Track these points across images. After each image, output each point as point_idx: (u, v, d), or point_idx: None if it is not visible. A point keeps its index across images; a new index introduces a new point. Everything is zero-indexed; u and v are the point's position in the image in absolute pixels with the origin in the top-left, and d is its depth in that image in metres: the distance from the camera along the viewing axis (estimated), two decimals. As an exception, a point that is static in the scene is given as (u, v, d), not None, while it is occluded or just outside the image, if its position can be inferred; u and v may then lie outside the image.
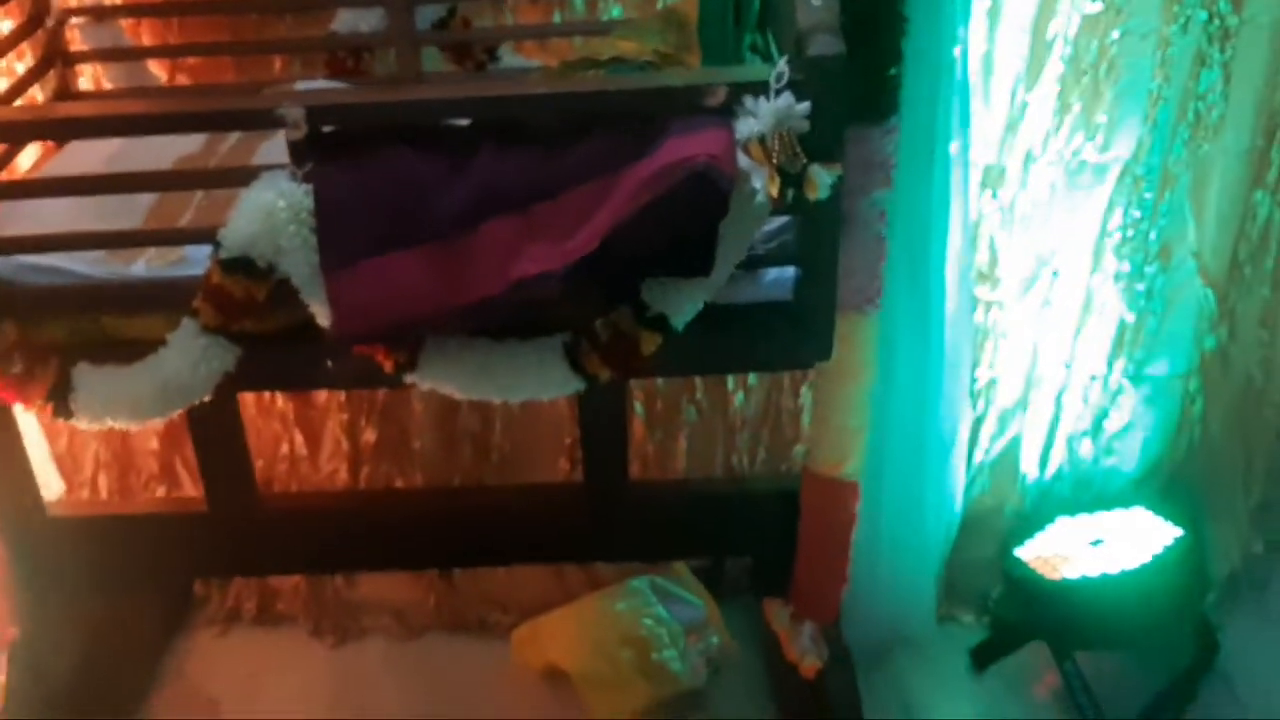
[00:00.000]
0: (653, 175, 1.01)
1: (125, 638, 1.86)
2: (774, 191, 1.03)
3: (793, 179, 1.04)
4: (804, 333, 1.24)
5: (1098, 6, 1.61)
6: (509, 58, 1.58)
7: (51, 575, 1.61)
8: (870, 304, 1.32)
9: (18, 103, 1.47)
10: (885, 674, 1.82)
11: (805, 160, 1.04)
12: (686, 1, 1.42)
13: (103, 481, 1.89)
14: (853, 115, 1.17)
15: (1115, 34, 1.62)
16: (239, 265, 1.08)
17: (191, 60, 1.66)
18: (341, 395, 1.86)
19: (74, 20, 1.58)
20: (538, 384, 1.15)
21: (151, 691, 1.86)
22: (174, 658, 1.91)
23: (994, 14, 1.61)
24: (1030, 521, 1.86)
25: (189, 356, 1.12)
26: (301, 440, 1.90)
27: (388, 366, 1.13)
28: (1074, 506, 1.86)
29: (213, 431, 1.50)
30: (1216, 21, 1.61)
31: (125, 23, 1.64)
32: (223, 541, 1.59)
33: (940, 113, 1.35)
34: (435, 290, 1.05)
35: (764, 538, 1.57)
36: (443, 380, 1.14)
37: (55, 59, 1.58)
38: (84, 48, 1.61)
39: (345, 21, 1.58)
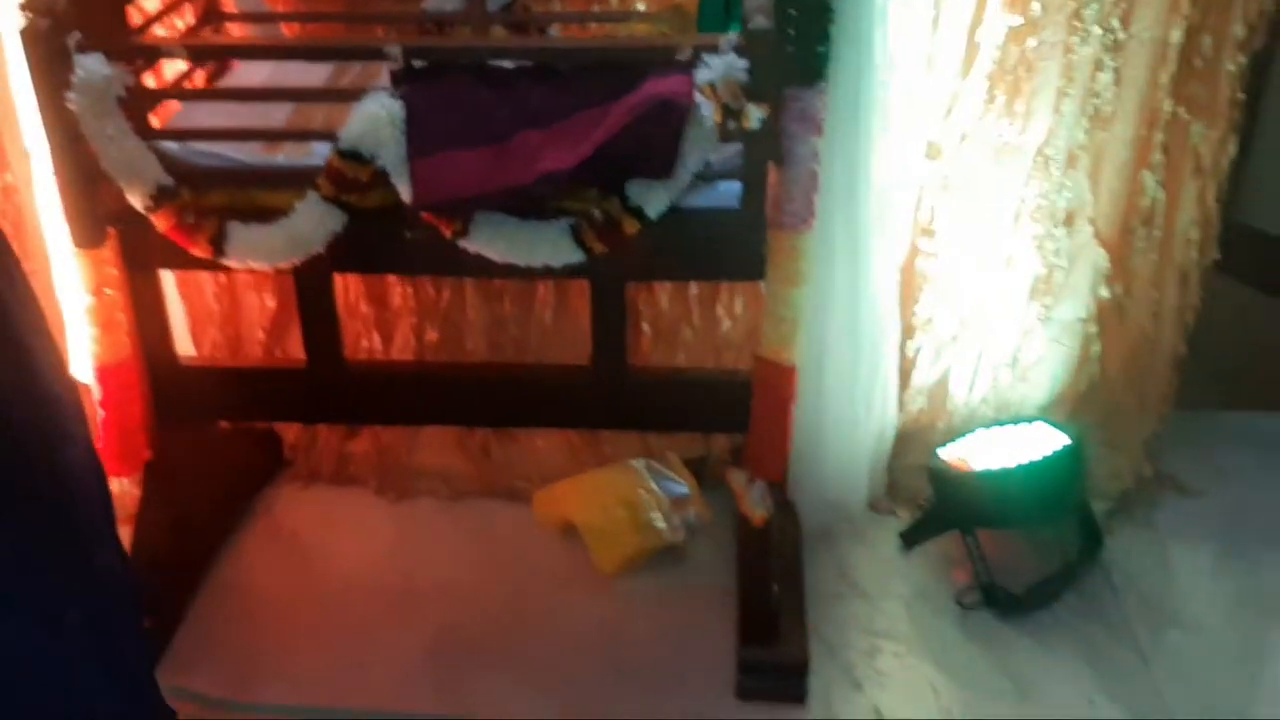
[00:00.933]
0: (635, 104, 1.49)
1: (230, 481, 2.36)
2: (719, 119, 1.50)
3: (733, 113, 1.51)
4: (747, 241, 1.69)
5: (1019, 20, 2.04)
6: (557, 35, 2.06)
7: (181, 414, 2.10)
8: (805, 224, 1.76)
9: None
10: (827, 547, 2.25)
11: (743, 101, 1.51)
12: (688, 2, 1.90)
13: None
14: (791, 80, 1.64)
15: (1032, 42, 2.02)
16: (351, 154, 1.57)
17: (313, 26, 2.16)
18: (411, 301, 2.34)
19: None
20: (551, 252, 1.63)
21: (247, 524, 2.35)
22: (264, 502, 2.40)
23: (935, 21, 2.05)
24: (957, 434, 2.29)
25: (311, 218, 1.62)
26: (378, 339, 2.38)
27: (447, 233, 1.62)
28: (993, 424, 2.29)
29: (314, 305, 1.98)
30: (1110, 36, 2.01)
31: (266, -6, 2.15)
32: (315, 392, 2.06)
33: (864, 84, 1.79)
34: (483, 177, 1.53)
35: (738, 417, 1.99)
36: (485, 246, 1.63)
37: (211, 19, 2.09)
38: (234, 11, 2.11)
39: (433, 3, 2.07)
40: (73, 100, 1.56)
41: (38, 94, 1.60)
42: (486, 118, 1.54)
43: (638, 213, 1.59)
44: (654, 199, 1.59)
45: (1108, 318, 2.24)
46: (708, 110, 1.50)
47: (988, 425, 2.26)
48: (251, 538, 2.32)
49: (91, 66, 1.54)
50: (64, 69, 1.56)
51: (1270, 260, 2.79)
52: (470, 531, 2.32)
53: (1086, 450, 2.17)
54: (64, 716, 1.28)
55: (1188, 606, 2.14)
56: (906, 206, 2.16)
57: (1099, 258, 2.18)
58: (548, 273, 1.69)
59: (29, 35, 1.56)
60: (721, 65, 1.49)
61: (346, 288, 2.30)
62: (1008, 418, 2.29)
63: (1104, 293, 2.21)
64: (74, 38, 1.55)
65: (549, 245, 1.63)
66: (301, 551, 2.29)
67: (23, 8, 1.62)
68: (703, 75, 1.50)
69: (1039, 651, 2.05)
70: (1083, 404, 2.30)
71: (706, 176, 1.63)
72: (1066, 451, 2.14)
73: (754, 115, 1.51)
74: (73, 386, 1.38)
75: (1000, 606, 2.10)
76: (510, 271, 1.70)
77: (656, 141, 1.52)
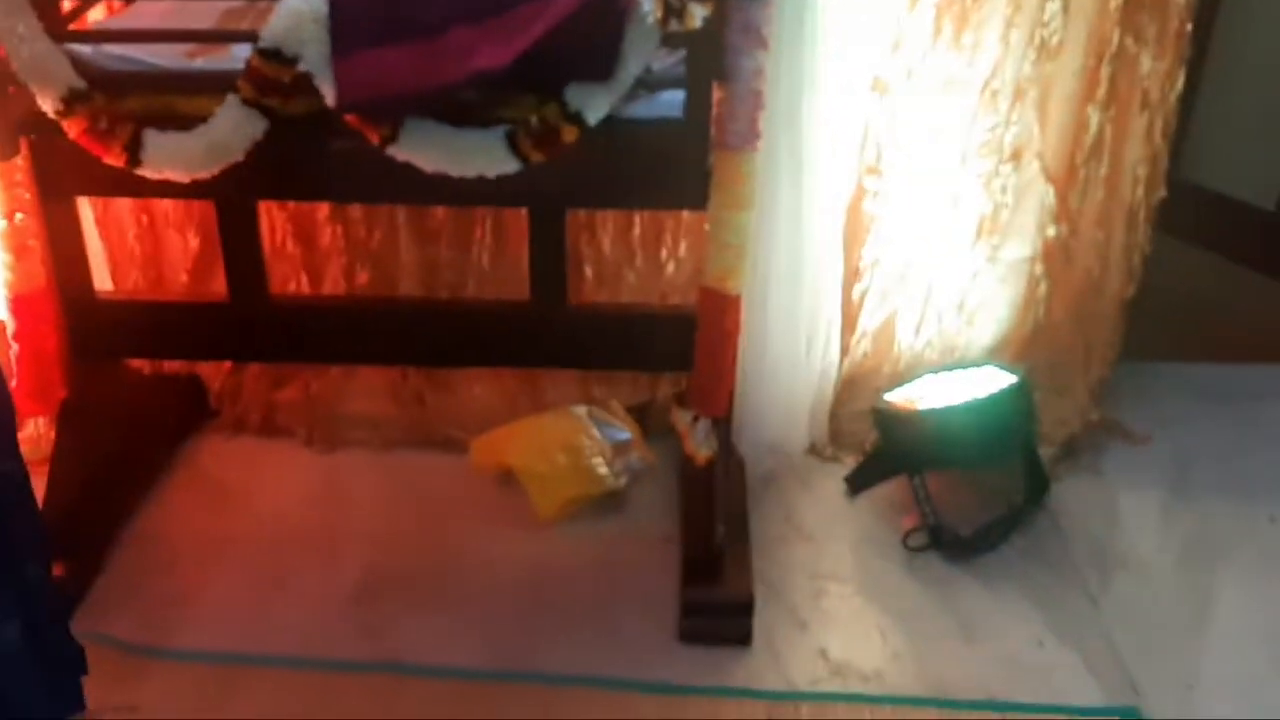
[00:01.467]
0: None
1: (151, 427, 2.26)
2: (661, 16, 1.44)
3: (675, 11, 1.45)
4: (691, 159, 1.64)
5: (966, -51, 2.02)
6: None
7: (98, 350, 2.01)
8: (749, 145, 1.71)
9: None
10: (772, 492, 2.20)
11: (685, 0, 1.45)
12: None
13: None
14: (735, -12, 1.59)
15: (979, -29, 2.03)
16: (272, 54, 1.49)
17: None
18: (341, 240, 2.25)
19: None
20: (485, 162, 1.55)
21: (169, 474, 2.25)
22: (188, 451, 2.30)
23: (881, -51, 2.02)
24: (903, 379, 2.25)
25: (231, 122, 1.53)
26: (306, 280, 2.29)
27: (374, 138, 1.54)
28: (940, 369, 2.25)
29: (238, 236, 1.89)
30: (1058, -36, 2.02)
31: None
32: (238, 329, 1.98)
33: (810, 5, 1.75)
34: (413, 76, 1.46)
35: (682, 354, 1.92)
36: (415, 153, 1.55)
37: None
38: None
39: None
40: (-25, -7, 1.47)
41: (-63, -12, 1.50)
42: (416, 11, 1.46)
43: (576, 118, 1.53)
44: (594, 103, 1.52)
45: (1054, 258, 2.22)
46: (650, 6, 1.44)
47: (934, 370, 2.23)
48: (174, 487, 2.23)
49: (-6, -46, 1.45)
50: (-35, -41, 1.47)
51: (1214, 217, 2.79)
52: (402, 481, 2.25)
53: (1031, 392, 2.14)
54: None
55: (1135, 550, 2.11)
56: (852, 144, 2.12)
57: (1046, 194, 2.16)
58: (481, 192, 1.61)
59: (-74, -79, 1.47)
60: (663, -40, 1.43)
61: (274, 227, 2.22)
62: (954, 362, 2.26)
63: (1051, 231, 2.18)
64: (-25, -77, 1.46)
65: (483, 154, 1.55)
66: (226, 501, 2.20)
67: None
68: (645, -30, 1.44)
69: (987, 594, 2.01)
70: (1029, 347, 2.28)
71: (648, 84, 1.57)
72: (1011, 391, 2.11)
73: (697, 14, 1.46)
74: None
75: (947, 549, 2.07)
76: (440, 191, 1.63)
77: (596, 40, 1.46)
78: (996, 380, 2.14)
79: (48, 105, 1.56)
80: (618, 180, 1.74)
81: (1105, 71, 2.07)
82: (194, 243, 2.24)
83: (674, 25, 1.47)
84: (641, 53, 1.50)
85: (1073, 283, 2.24)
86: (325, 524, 2.13)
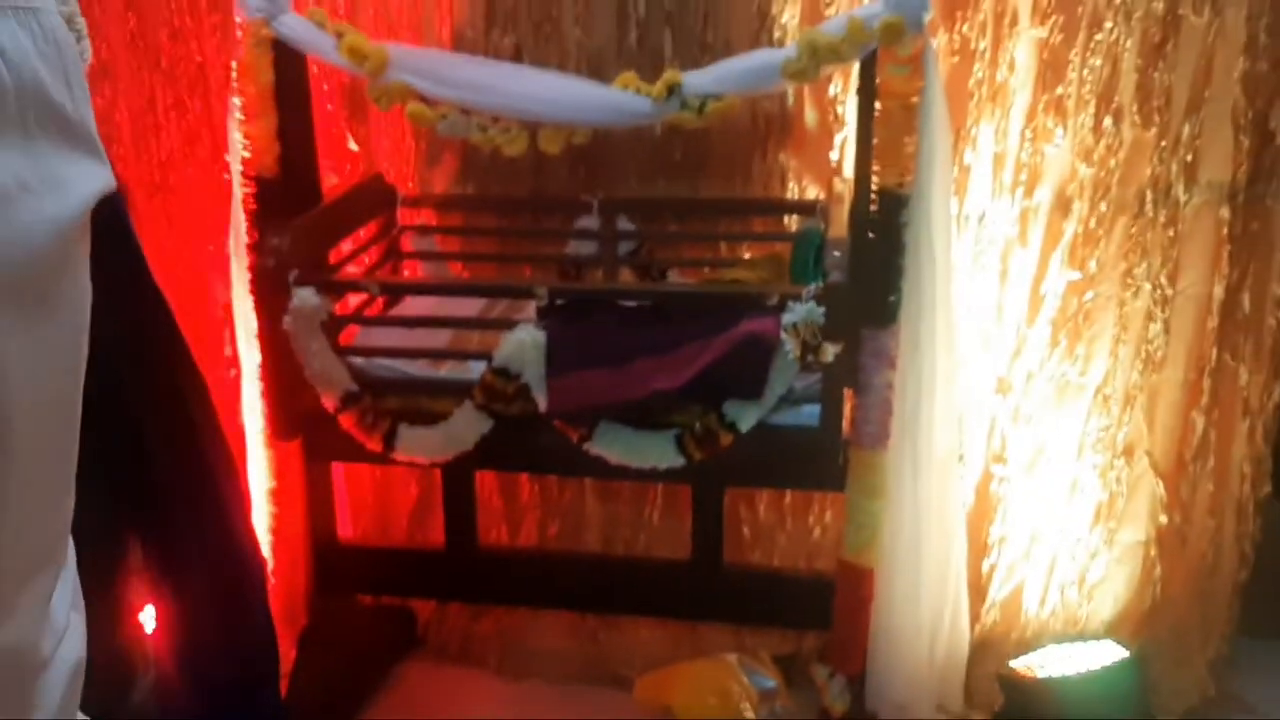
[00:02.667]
0: (732, 338, 1.83)
1: (372, 652, 2.66)
2: (799, 353, 1.83)
3: (812, 349, 1.84)
4: (826, 456, 1.99)
5: (1077, 275, 2.36)
6: (674, 278, 2.43)
7: (336, 586, 2.44)
8: (881, 444, 2.06)
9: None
10: (905, 746, 2.44)
11: (820, 339, 1.83)
12: (784, 250, 2.26)
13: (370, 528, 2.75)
14: (868, 321, 1.98)
15: (1089, 295, 2.35)
16: (501, 371, 1.94)
17: (474, 265, 2.59)
18: (538, 497, 2.67)
19: (407, 233, 2.54)
20: (658, 457, 1.95)
21: (383, 693, 2.63)
22: (400, 673, 2.69)
23: (1002, 276, 2.38)
24: (1030, 646, 2.48)
25: (466, 422, 1.97)
26: (505, 529, 2.71)
27: (574, 438, 1.95)
28: (1062, 639, 2.47)
29: (456, 496, 2.32)
30: (1159, 291, 2.31)
31: (436, 237, 2.58)
32: (450, 573, 2.38)
33: (935, 325, 2.09)
34: (607, 393, 1.88)
35: (822, 615, 2.22)
36: (605, 449, 1.95)
37: (392, 255, 2.53)
38: (411, 250, 2.55)
39: (573, 248, 2.48)
40: (288, 323, 1.97)
41: (259, 316, 2.01)
42: (611, 346, 1.89)
43: (732, 426, 1.91)
44: (746, 416, 1.91)
45: (1168, 543, 2.44)
46: (791, 346, 1.83)
47: (1058, 641, 2.45)
48: (386, 705, 2.59)
49: (305, 297, 1.95)
50: (282, 298, 1.97)
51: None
52: (576, 712, 2.56)
53: (1144, 667, 2.33)
54: None
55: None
56: (980, 435, 2.44)
57: (1157, 486, 2.40)
58: (654, 475, 2.00)
59: (259, 272, 1.99)
60: (803, 310, 1.83)
61: (482, 483, 2.65)
62: (1075, 634, 2.47)
63: (1163, 519, 2.41)
64: (293, 274, 1.97)
65: (657, 451, 1.95)
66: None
67: (251, 249, 2.07)
68: (787, 318, 1.84)
69: None
70: (1147, 623, 2.47)
71: (791, 399, 1.94)
72: (1123, 664, 2.31)
73: (829, 351, 1.84)
74: (260, 556, 1.75)
75: (1066, 810, 2.24)
76: (624, 473, 2.02)
77: (748, 369, 1.85)
78: (1113, 654, 2.35)
79: (328, 403, 2.04)
80: (765, 470, 2.10)
81: (1206, 383, 2.34)
82: (413, 491, 2.69)
83: (810, 359, 1.85)
84: (784, 379, 1.88)
85: (1187, 565, 2.45)
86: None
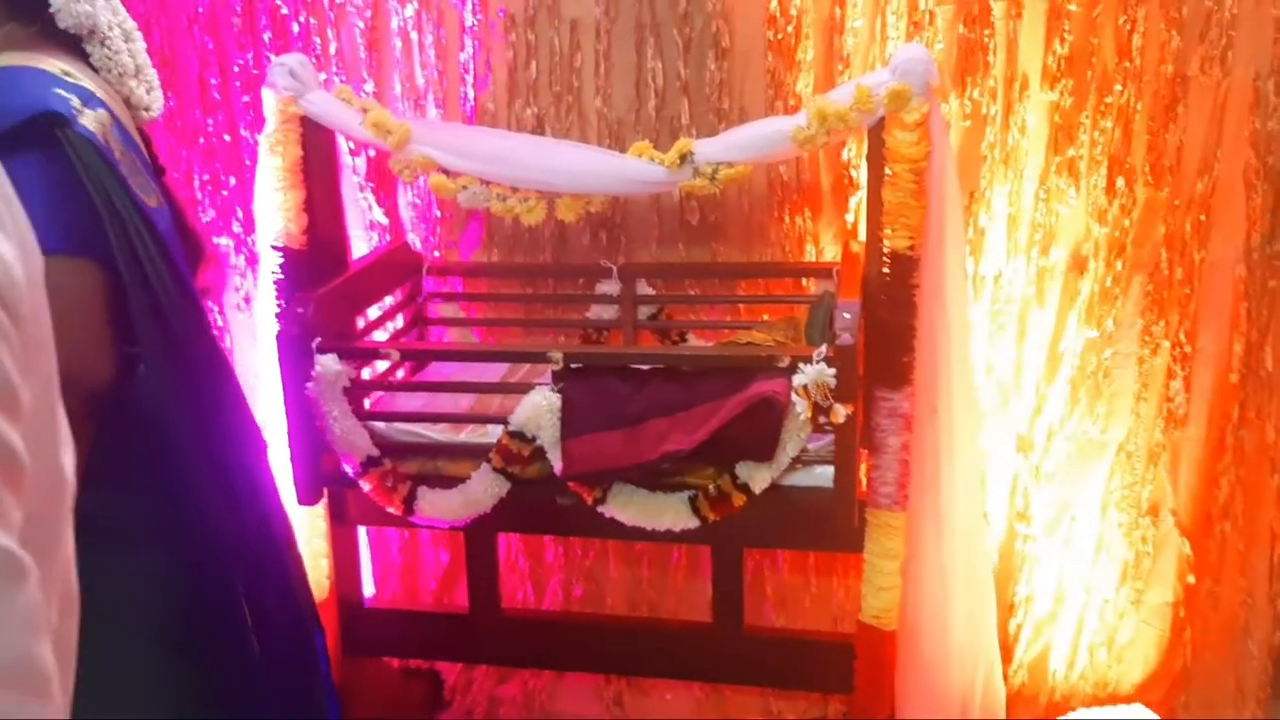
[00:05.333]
0: (744, 399, 1.85)
1: (399, 711, 2.68)
2: (811, 414, 1.84)
3: (823, 409, 1.85)
4: (841, 517, 1.99)
5: (1095, 334, 2.36)
6: (693, 340, 2.47)
7: (363, 649, 2.47)
8: (898, 504, 2.07)
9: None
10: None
11: (831, 400, 1.85)
12: (800, 313, 2.28)
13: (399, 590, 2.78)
14: (882, 382, 1.99)
15: (1108, 353, 2.34)
16: (517, 435, 1.97)
17: (499, 330, 2.64)
18: (562, 559, 2.69)
19: (433, 300, 2.59)
20: (672, 518, 1.96)
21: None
22: (426, 736, 2.72)
23: (1020, 335, 2.39)
24: (1058, 710, 2.44)
25: (483, 484, 2.00)
26: (531, 590, 2.73)
27: (589, 499, 1.98)
28: (1092, 702, 2.44)
29: (480, 559, 2.35)
30: (1179, 348, 2.31)
31: (461, 303, 2.64)
32: (475, 636, 2.40)
33: (952, 385, 2.10)
34: (621, 454, 1.90)
35: (843, 678, 2.22)
36: (619, 511, 1.98)
37: (418, 323, 2.59)
38: (435, 317, 2.61)
39: (595, 312, 2.52)
40: (311, 388, 2.02)
41: (284, 381, 2.06)
42: (625, 407, 1.92)
43: (744, 488, 1.93)
44: (758, 477, 1.92)
45: (1197, 604, 2.41)
46: (802, 407, 1.85)
47: (1088, 705, 2.42)
48: (412, 769, 2.62)
49: (328, 364, 2.00)
50: (306, 364, 2.03)
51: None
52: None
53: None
54: None
55: None
56: (1002, 494, 2.43)
57: (1183, 545, 2.38)
58: (670, 536, 2.02)
59: (283, 339, 2.05)
60: (813, 372, 1.85)
61: (509, 546, 2.67)
62: (1105, 697, 2.44)
63: (1191, 579, 2.39)
64: (316, 342, 2.03)
65: (671, 512, 1.97)
66: (454, 784, 2.57)
67: (278, 318, 2.12)
68: (798, 379, 1.86)
69: None
70: (1179, 686, 2.43)
71: (804, 460, 1.96)
72: (1156, 731, 2.27)
73: (840, 412, 1.85)
74: (314, 608, 1.79)
75: None
76: (640, 534, 2.04)
77: (760, 430, 1.87)
78: (1144, 719, 2.31)
79: (349, 467, 2.08)
80: (781, 531, 2.11)
81: (1230, 440, 2.32)
82: (444, 557, 2.71)
83: (822, 420, 1.87)
84: (796, 440, 1.90)
85: (1219, 627, 2.42)
86: (533, 810, 2.47)
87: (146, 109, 1.59)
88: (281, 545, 1.62)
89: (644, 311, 2.45)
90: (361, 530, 2.60)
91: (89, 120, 1.35)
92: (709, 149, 2.02)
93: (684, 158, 2.00)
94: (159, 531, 1.46)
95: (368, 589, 2.55)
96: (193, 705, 1.53)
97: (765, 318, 2.43)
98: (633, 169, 2.04)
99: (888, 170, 1.95)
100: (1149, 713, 2.31)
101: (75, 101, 1.35)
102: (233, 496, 1.51)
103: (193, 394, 1.46)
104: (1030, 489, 2.44)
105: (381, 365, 2.31)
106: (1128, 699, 2.42)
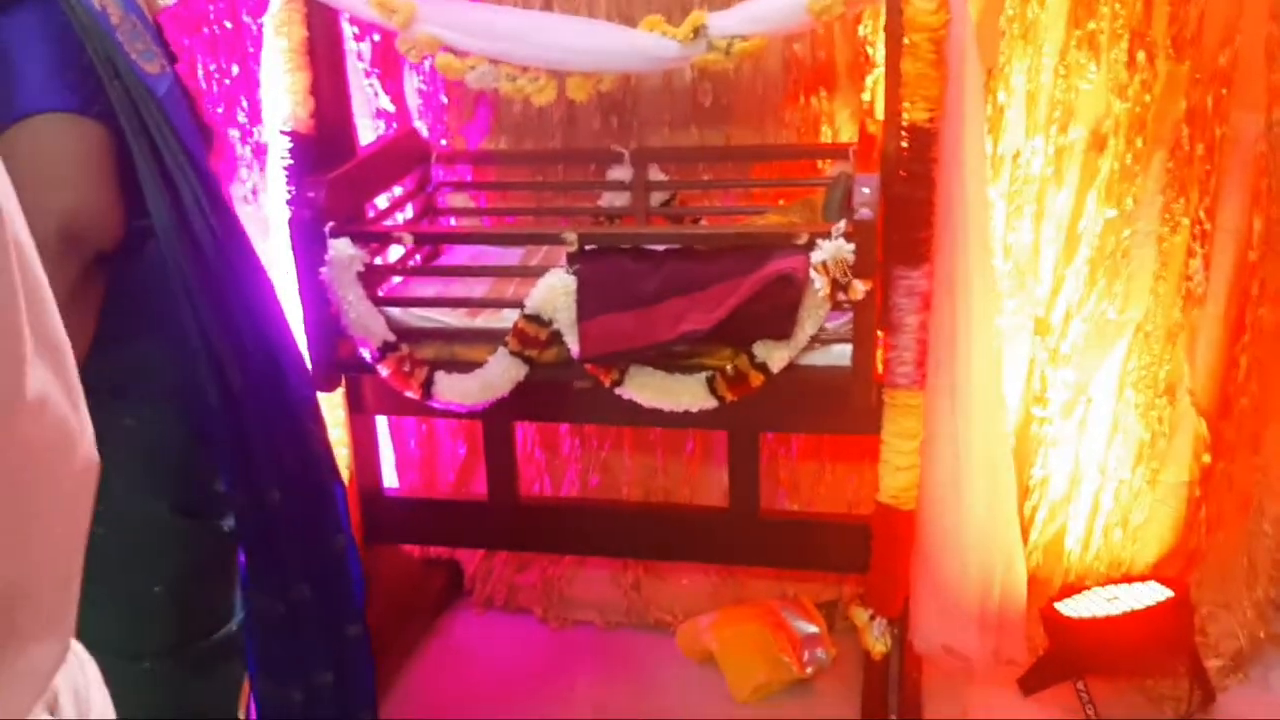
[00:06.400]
0: (761, 277, 1.83)
1: (421, 601, 2.71)
2: (829, 291, 1.83)
3: (841, 286, 1.84)
4: (859, 397, 1.99)
5: (1114, 213, 2.33)
6: (704, 226, 2.44)
7: (383, 536, 2.49)
8: (915, 384, 2.05)
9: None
10: (948, 690, 2.44)
11: (850, 276, 1.84)
12: (817, 194, 2.25)
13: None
14: (900, 260, 1.97)
15: (1127, 232, 2.32)
16: (533, 318, 1.96)
17: (510, 219, 2.61)
18: (578, 450, 2.70)
19: (443, 189, 2.56)
20: (690, 399, 1.96)
21: (429, 640, 2.69)
22: (445, 622, 2.75)
23: (1038, 216, 2.36)
24: (1073, 589, 2.46)
25: (500, 368, 2.00)
26: (549, 481, 2.74)
27: (606, 381, 1.97)
28: (1107, 581, 2.46)
29: (497, 448, 2.36)
30: (1199, 226, 2.29)
31: (470, 192, 2.61)
32: (494, 524, 2.42)
33: (970, 264, 2.07)
34: (638, 335, 1.89)
35: (859, 558, 2.23)
36: (636, 393, 1.97)
37: (429, 213, 2.56)
38: (445, 206, 2.58)
39: (607, 199, 2.49)
40: (324, 273, 2.01)
41: (298, 267, 2.05)
42: (641, 287, 1.90)
43: (762, 367, 1.92)
44: (776, 356, 1.91)
45: (1213, 483, 2.41)
46: (821, 283, 1.83)
47: (1102, 584, 2.44)
48: (432, 651, 2.66)
49: (340, 248, 1.99)
50: (319, 249, 2.01)
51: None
52: (619, 657, 2.61)
53: (1191, 607, 2.31)
54: None
55: (1301, 763, 2.22)
56: (1019, 377, 2.42)
57: (1200, 425, 2.37)
58: (687, 419, 2.02)
59: (296, 224, 2.03)
60: (831, 248, 1.83)
61: (525, 438, 2.68)
62: (1120, 576, 2.46)
63: (1206, 459, 2.39)
64: (329, 226, 2.01)
65: (689, 393, 1.96)
66: (472, 666, 2.61)
67: (290, 203, 2.10)
68: (816, 255, 1.84)
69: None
70: (1193, 564, 2.45)
71: (822, 339, 1.95)
72: (1170, 603, 2.29)
73: (859, 288, 1.84)
74: (338, 475, 1.81)
75: (1111, 751, 2.24)
76: (657, 417, 2.04)
77: (778, 308, 1.86)
78: (1158, 595, 2.33)
79: (366, 353, 2.08)
80: (799, 413, 2.11)
81: (1249, 319, 2.30)
82: (461, 450, 2.73)
83: (840, 297, 1.85)
84: (814, 318, 1.89)
85: (1233, 506, 2.42)
86: (551, 692, 2.50)
87: None
88: (297, 403, 1.64)
89: (656, 198, 2.42)
90: (381, 423, 2.62)
91: None
92: (723, 22, 1.97)
93: (697, 31, 1.95)
94: (169, 393, 1.48)
95: (388, 481, 2.57)
96: (208, 563, 1.57)
97: (781, 202, 2.40)
98: (645, 43, 1.99)
99: (906, 40, 1.90)
100: (1163, 589, 2.33)
101: None
102: (245, 359, 1.52)
103: (202, 263, 1.46)
104: (1047, 371, 2.43)
105: (394, 255, 2.29)
106: (1141, 578, 2.43)
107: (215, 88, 2.58)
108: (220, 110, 2.59)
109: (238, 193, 2.63)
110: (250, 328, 1.54)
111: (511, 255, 2.28)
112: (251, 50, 2.47)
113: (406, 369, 2.06)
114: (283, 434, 1.62)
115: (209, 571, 1.64)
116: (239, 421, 1.52)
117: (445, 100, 2.51)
